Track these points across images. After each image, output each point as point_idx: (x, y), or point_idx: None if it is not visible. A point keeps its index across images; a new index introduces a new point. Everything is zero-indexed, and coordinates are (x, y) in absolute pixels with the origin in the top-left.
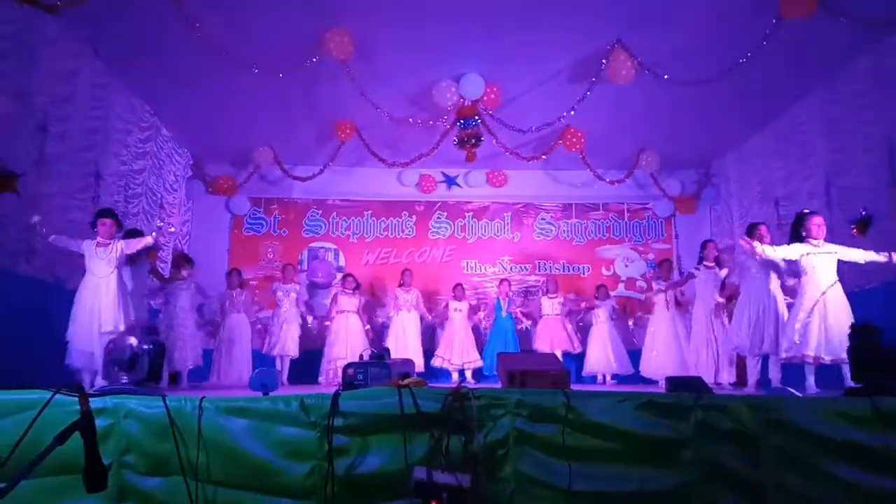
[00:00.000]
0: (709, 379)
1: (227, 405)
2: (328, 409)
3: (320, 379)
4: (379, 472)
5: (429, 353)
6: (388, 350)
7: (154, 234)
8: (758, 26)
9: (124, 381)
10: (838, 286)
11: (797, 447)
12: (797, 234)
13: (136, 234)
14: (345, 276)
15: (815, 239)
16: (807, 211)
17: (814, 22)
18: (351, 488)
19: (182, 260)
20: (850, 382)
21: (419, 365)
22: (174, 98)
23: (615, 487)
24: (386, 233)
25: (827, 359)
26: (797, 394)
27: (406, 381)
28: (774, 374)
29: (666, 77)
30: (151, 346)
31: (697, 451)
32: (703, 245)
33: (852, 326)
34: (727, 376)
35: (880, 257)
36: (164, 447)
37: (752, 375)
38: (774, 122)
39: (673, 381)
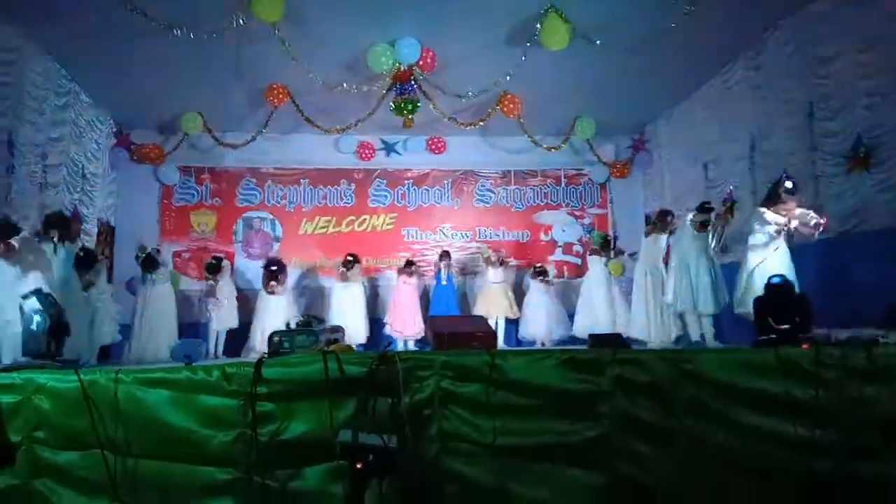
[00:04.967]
0: (646, 336)
1: (144, 377)
2: (251, 377)
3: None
4: (304, 437)
5: (374, 322)
6: (316, 318)
7: None
8: None
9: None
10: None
11: (706, 396)
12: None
13: (64, 222)
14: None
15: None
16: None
17: None
18: (276, 454)
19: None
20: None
21: (362, 335)
22: (94, 63)
23: (536, 440)
24: (324, 201)
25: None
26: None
27: (332, 347)
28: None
29: (598, 43)
30: (44, 319)
31: (614, 403)
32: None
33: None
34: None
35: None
36: (78, 422)
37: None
38: (703, 87)
39: (595, 338)
